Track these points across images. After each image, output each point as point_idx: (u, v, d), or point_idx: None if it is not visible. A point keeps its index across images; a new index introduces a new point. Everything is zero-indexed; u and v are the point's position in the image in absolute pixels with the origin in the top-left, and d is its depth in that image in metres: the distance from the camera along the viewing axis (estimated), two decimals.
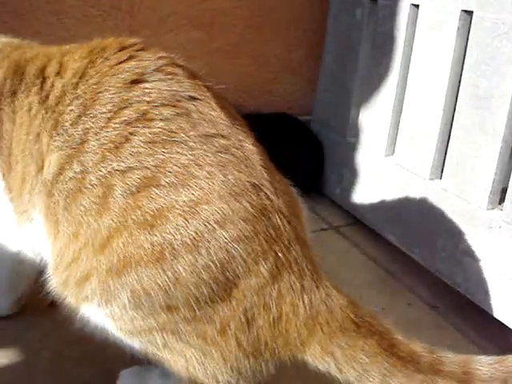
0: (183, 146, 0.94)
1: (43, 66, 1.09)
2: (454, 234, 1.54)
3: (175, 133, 0.96)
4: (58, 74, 1.07)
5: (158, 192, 0.91)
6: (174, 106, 0.98)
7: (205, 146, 0.95)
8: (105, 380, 1.20)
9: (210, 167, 0.93)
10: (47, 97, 1.05)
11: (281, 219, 0.96)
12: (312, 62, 2.28)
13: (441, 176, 1.63)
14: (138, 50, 1.07)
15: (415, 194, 1.69)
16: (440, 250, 1.60)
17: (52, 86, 1.06)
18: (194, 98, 1.01)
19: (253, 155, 1.00)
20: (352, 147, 1.98)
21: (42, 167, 1.02)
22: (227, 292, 0.92)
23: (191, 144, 0.95)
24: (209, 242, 0.90)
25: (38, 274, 1.20)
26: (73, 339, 1.29)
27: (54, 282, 1.05)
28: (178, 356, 0.98)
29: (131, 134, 0.96)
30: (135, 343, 1.01)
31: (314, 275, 0.97)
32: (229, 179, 0.94)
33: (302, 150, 2.09)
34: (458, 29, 1.53)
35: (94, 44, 1.10)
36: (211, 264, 0.90)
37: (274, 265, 0.93)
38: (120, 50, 1.06)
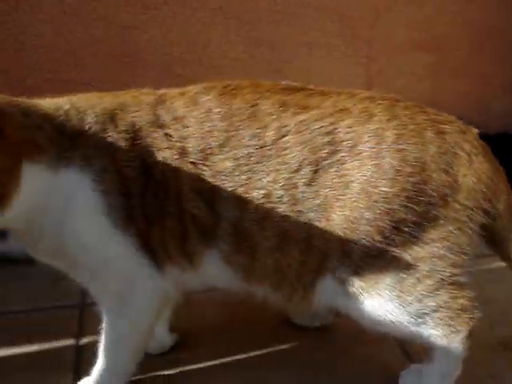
0: None
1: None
2: None
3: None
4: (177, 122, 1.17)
5: (329, 163, 1.14)
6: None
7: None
8: (387, 380, 1.35)
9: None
10: (184, 150, 1.15)
11: None
12: None
13: None
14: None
15: None
16: None
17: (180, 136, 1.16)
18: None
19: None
20: None
21: (219, 216, 1.16)
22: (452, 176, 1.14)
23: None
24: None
25: None
26: (351, 339, 1.48)
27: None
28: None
29: (288, 142, 1.15)
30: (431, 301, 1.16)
31: None
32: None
33: None
34: None
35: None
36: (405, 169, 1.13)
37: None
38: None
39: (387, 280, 1.15)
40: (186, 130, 1.16)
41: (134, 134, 1.15)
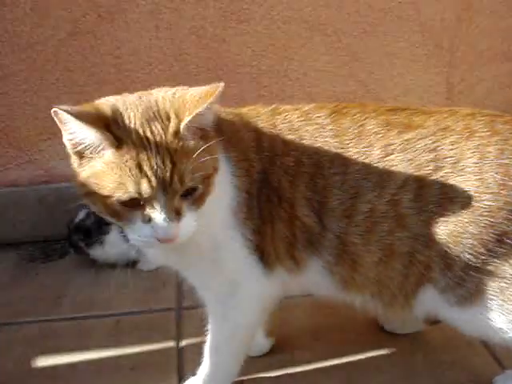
0: None
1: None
2: None
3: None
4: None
5: (433, 179, 1.18)
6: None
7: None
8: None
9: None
10: (300, 160, 1.22)
11: None
12: None
13: None
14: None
15: None
16: None
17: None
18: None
19: None
20: None
21: (325, 227, 1.22)
22: None
23: None
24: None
25: None
26: (442, 345, 1.51)
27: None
28: None
29: (393, 160, 1.19)
30: None
31: None
32: None
33: None
34: None
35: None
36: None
37: None
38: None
39: (489, 290, 1.17)
40: (301, 142, 1.22)
41: (259, 138, 1.23)
